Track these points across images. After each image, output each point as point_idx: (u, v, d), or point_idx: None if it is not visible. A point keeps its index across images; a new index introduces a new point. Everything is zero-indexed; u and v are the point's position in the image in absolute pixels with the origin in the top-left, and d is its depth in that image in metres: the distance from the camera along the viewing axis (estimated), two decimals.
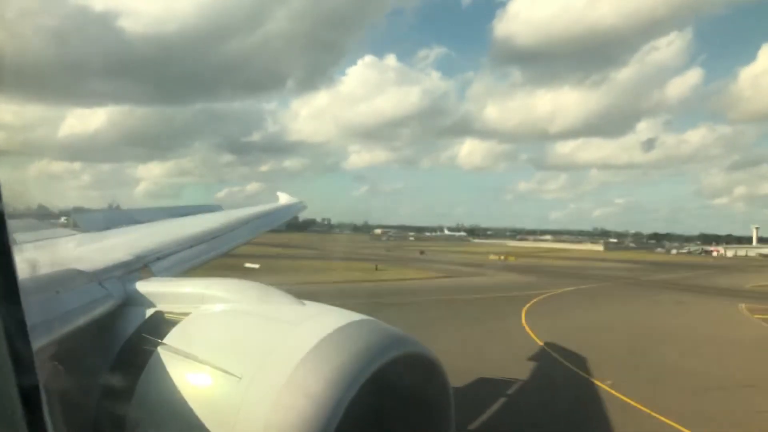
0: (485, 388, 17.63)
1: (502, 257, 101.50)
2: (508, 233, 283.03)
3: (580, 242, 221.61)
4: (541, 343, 25.40)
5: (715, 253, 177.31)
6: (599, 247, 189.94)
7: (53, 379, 3.25)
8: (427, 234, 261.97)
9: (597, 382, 19.16)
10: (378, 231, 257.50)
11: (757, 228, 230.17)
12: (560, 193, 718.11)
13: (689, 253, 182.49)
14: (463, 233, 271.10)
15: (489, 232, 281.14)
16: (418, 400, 2.98)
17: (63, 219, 7.35)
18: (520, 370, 20.20)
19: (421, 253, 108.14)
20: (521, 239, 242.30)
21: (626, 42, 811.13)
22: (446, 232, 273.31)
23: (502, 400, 16.87)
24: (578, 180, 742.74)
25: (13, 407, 1.41)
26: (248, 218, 8.92)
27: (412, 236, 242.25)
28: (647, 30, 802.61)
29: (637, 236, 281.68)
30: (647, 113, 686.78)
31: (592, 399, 17.62)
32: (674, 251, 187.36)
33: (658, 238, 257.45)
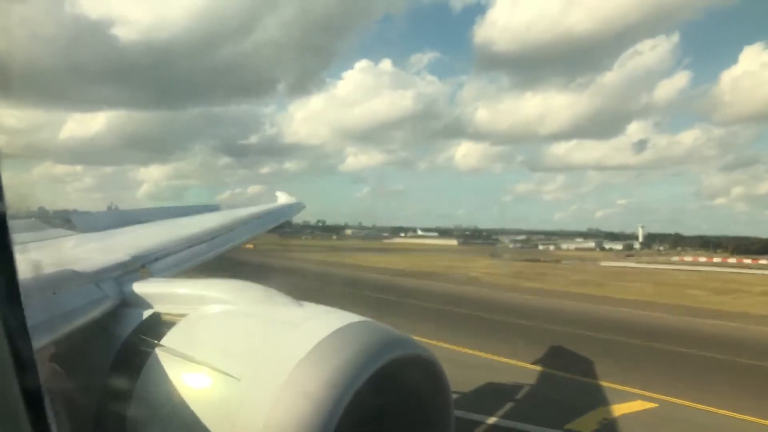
0: None
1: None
2: (484, 233, 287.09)
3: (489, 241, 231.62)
4: None
5: (540, 247, 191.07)
6: (455, 242, 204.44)
7: (50, 380, 3.04)
8: (402, 234, 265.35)
9: None
10: (348, 231, 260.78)
11: (642, 227, 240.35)
12: (558, 194, 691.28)
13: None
14: (435, 233, 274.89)
15: (467, 233, 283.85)
16: (418, 401, 2.84)
17: (60, 220, 6.99)
18: None
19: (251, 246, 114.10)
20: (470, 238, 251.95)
21: (607, 47, 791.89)
22: (419, 232, 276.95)
23: None
24: (575, 181, 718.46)
25: (16, 407, 1.30)
26: (247, 218, 8.57)
27: (386, 235, 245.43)
28: (626, 35, 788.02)
29: (614, 236, 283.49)
30: (636, 115, 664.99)
31: None
32: (511, 245, 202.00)
33: (613, 238, 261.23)
